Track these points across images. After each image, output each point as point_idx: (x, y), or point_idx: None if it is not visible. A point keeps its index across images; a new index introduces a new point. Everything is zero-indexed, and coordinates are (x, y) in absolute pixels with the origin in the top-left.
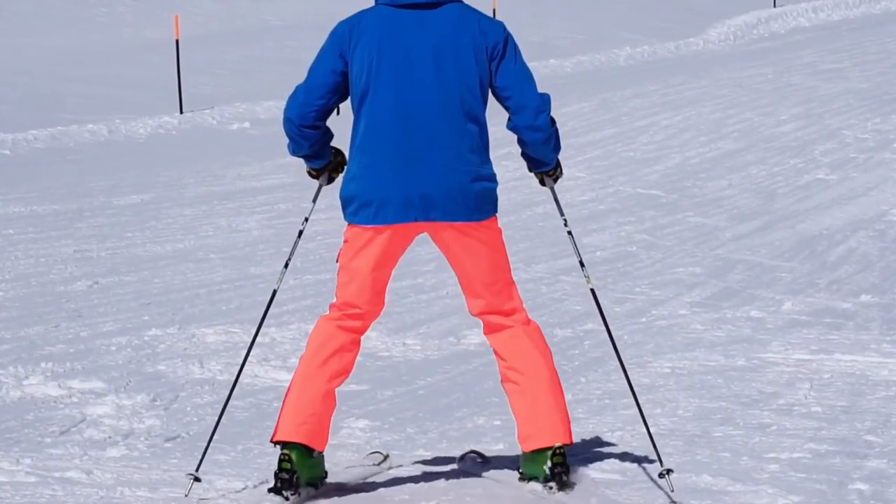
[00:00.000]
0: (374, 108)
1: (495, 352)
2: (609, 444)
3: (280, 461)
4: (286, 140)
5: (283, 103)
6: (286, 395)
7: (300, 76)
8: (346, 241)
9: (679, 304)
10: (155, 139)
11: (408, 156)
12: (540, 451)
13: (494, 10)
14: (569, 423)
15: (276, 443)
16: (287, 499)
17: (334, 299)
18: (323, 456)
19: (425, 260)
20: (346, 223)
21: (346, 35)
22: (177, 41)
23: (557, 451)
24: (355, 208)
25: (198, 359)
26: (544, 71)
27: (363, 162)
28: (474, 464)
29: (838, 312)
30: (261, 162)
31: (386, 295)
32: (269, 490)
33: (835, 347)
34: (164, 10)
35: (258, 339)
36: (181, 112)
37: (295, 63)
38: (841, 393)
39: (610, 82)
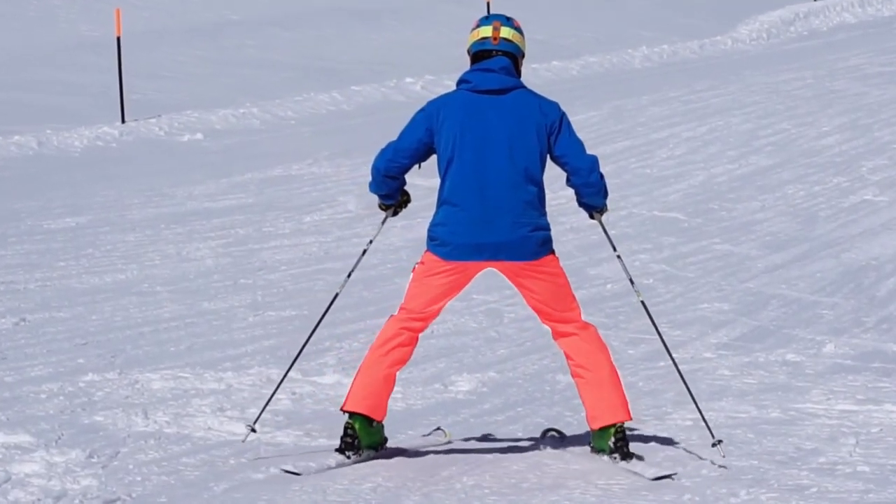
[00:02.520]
0: (457, 172)
1: (565, 353)
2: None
3: (345, 428)
4: (368, 179)
5: (240, 111)
6: (356, 375)
7: (262, 80)
8: (422, 263)
9: (703, 346)
10: (92, 153)
11: (482, 212)
12: (605, 429)
13: (489, 4)
14: (627, 403)
15: (343, 411)
16: (349, 458)
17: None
18: (382, 425)
19: None
20: (427, 249)
21: (434, 113)
22: (118, 39)
23: (619, 429)
24: (438, 244)
25: (141, 408)
26: (546, 74)
27: (447, 212)
28: (554, 440)
29: (889, 356)
30: (216, 179)
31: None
32: (336, 450)
33: (885, 397)
34: (103, 4)
35: (213, 385)
36: (123, 121)
37: (256, 65)
38: (892, 450)
39: (623, 87)
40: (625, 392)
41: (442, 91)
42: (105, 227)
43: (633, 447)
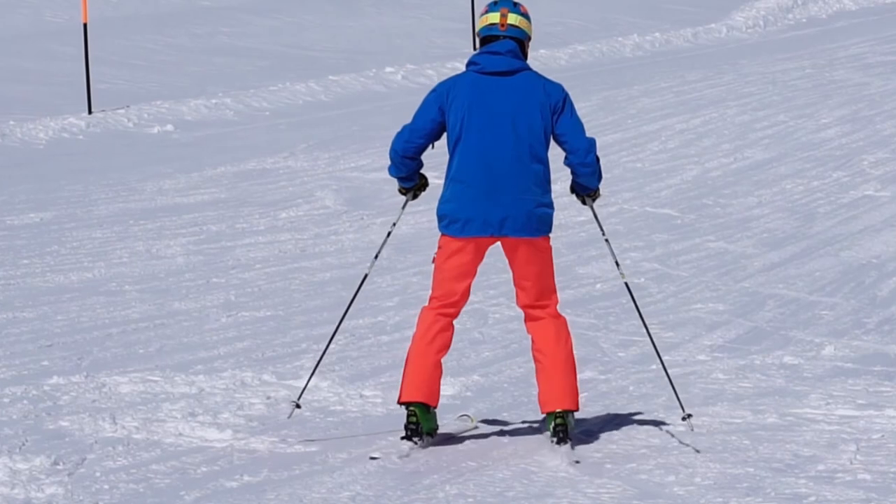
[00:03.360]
0: (464, 150)
1: (531, 337)
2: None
3: (408, 416)
4: (388, 163)
5: (213, 101)
6: (405, 367)
7: (236, 69)
8: (440, 248)
9: (697, 349)
10: (58, 145)
11: (489, 187)
12: (550, 413)
13: None
14: (576, 393)
15: (401, 403)
16: (416, 443)
17: (427, 295)
18: (436, 412)
19: (387, 294)
20: (441, 233)
21: (444, 93)
22: (84, 26)
23: (559, 414)
24: (447, 223)
25: (109, 413)
26: (532, 64)
27: (455, 189)
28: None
29: (891, 359)
30: (187, 173)
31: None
32: (402, 437)
33: (886, 402)
34: None
35: (184, 389)
36: (90, 112)
37: (229, 53)
38: (894, 457)
39: (613, 77)
40: (577, 383)
41: (424, 81)
42: (71, 223)
43: (624, 453)
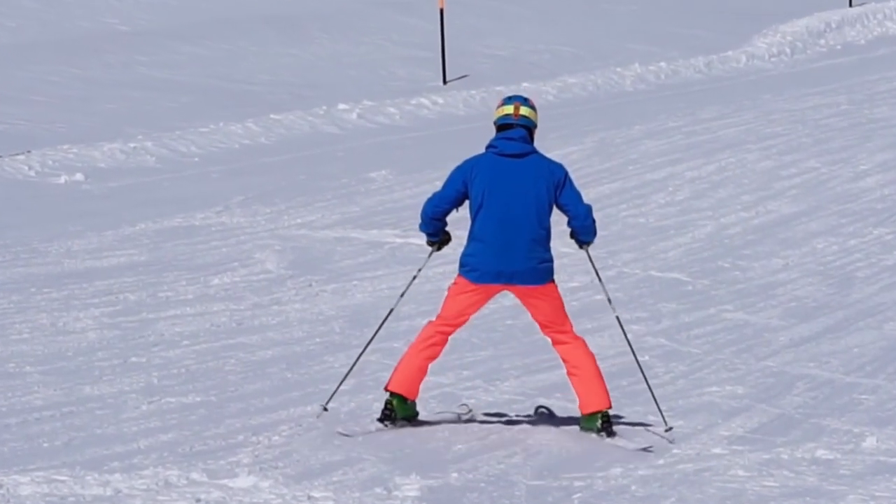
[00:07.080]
0: (485, 216)
1: (562, 357)
2: None
3: (385, 403)
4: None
5: (131, 145)
6: (397, 364)
7: (158, 106)
8: (456, 283)
9: (712, 440)
10: None
11: (503, 247)
12: (593, 414)
13: (442, 10)
14: (608, 395)
15: (387, 390)
16: (387, 426)
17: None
18: (414, 402)
19: (339, 375)
20: (460, 274)
21: (468, 170)
22: None
23: (604, 414)
24: (468, 269)
25: None
26: None
27: (476, 246)
28: (543, 416)
29: None
30: (100, 232)
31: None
32: (377, 419)
33: None
34: None
35: (97, 490)
36: None
37: (149, 87)
38: None
39: (611, 115)
40: (606, 384)
41: (384, 120)
42: None
43: None
